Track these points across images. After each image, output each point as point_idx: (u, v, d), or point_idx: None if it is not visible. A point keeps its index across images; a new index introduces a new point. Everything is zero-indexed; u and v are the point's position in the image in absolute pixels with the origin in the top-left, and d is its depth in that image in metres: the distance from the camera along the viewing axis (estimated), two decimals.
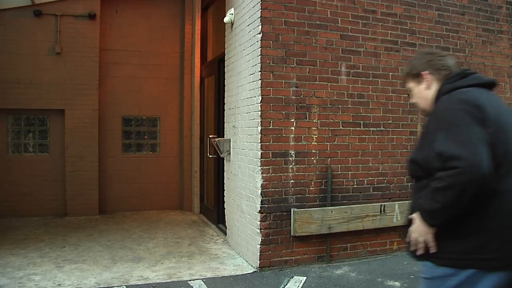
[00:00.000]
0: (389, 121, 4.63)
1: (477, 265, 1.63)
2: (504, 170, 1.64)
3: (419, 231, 1.74)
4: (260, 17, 4.07)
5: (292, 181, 4.20)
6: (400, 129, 4.69)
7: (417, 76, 1.96)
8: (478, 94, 1.76)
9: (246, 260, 4.43)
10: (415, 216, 1.77)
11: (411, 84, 2.01)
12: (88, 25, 6.75)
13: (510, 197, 1.63)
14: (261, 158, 4.09)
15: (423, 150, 1.82)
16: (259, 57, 4.09)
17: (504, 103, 1.93)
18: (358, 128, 4.48)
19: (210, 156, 6.02)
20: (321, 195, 4.30)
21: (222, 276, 3.99)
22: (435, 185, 1.65)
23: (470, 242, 1.64)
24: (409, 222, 1.83)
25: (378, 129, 4.58)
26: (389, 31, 4.62)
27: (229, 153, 5.04)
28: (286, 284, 3.76)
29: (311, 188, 4.27)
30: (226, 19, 5.01)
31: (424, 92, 1.95)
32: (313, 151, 4.29)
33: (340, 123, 4.40)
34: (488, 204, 1.63)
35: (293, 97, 4.20)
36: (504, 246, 1.61)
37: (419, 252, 1.76)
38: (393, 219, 4.52)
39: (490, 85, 1.88)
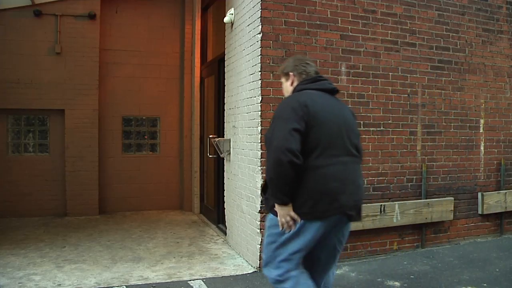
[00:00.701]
0: (389, 121, 4.63)
1: (303, 217, 2.33)
2: (317, 153, 2.32)
3: (282, 214, 2.35)
4: (260, 17, 4.08)
5: None
6: (400, 129, 4.69)
7: (286, 75, 2.64)
8: (313, 97, 2.42)
9: (246, 260, 4.43)
10: (277, 207, 2.36)
11: (282, 79, 2.68)
12: (88, 25, 6.75)
13: (320, 171, 2.32)
14: (261, 158, 4.09)
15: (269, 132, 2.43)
16: (259, 57, 4.09)
17: (338, 105, 2.53)
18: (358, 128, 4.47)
19: (210, 156, 6.02)
20: None
21: (222, 276, 3.99)
22: (268, 170, 2.33)
23: (297, 202, 2.32)
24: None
25: (378, 129, 4.58)
26: (389, 31, 4.62)
27: (229, 153, 5.04)
28: None
29: None
30: (226, 19, 5.01)
31: (289, 87, 2.63)
32: None
33: None
34: (306, 176, 2.31)
35: None
36: (317, 204, 2.31)
37: (292, 229, 2.35)
38: (393, 219, 4.53)
39: (332, 91, 2.58)
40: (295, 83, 2.59)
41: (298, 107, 2.33)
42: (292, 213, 2.33)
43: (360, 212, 2.49)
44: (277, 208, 2.35)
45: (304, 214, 2.33)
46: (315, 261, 2.56)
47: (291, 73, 2.61)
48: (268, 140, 2.37)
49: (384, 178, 4.60)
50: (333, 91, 2.58)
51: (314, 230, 2.35)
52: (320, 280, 2.59)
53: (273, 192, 2.33)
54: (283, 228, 2.36)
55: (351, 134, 2.49)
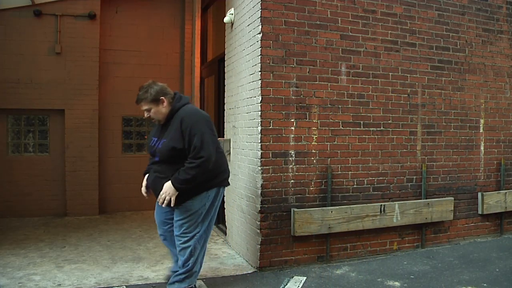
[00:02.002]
0: (389, 121, 4.63)
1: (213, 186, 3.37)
2: (217, 150, 3.35)
3: (169, 192, 3.19)
4: (260, 17, 4.08)
5: (292, 181, 4.20)
6: (400, 129, 4.69)
7: (154, 101, 3.30)
8: (199, 110, 3.51)
9: (246, 260, 4.43)
10: (167, 183, 3.19)
11: (150, 106, 3.30)
12: (88, 25, 6.75)
13: (218, 161, 3.35)
14: (261, 158, 4.09)
15: (180, 142, 3.18)
16: (259, 57, 4.09)
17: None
18: (358, 128, 4.48)
19: None
20: (321, 195, 4.31)
21: (222, 276, 3.99)
22: (189, 165, 3.15)
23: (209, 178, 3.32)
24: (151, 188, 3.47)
25: (378, 129, 4.58)
26: (389, 31, 4.62)
27: (229, 153, 5.04)
28: (286, 284, 3.76)
29: (311, 188, 4.27)
30: (226, 19, 5.01)
31: (162, 110, 3.33)
32: (313, 151, 4.29)
33: (340, 123, 4.40)
34: (212, 166, 3.26)
35: (293, 97, 4.20)
36: (219, 178, 3.42)
37: (165, 204, 3.22)
38: (393, 219, 4.53)
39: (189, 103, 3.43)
40: (167, 104, 3.32)
41: (208, 119, 3.33)
42: (174, 196, 3.24)
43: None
44: (169, 186, 3.19)
45: (213, 186, 3.42)
46: None
47: (162, 98, 3.31)
48: (197, 149, 3.14)
49: (384, 178, 4.60)
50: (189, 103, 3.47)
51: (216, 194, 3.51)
52: None
53: (187, 186, 3.19)
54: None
55: None
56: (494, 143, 5.27)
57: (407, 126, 4.73)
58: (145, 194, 3.63)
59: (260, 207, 4.08)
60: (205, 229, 3.42)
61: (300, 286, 3.72)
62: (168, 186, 3.20)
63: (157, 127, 3.48)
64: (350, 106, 4.44)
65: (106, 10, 6.97)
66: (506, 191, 5.23)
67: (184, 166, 3.17)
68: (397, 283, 3.80)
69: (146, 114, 3.35)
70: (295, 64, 4.21)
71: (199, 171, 3.15)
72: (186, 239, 3.32)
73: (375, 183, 4.55)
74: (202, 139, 3.16)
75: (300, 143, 4.23)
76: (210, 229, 3.48)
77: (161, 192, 3.24)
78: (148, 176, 3.51)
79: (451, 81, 4.98)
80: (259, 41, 4.09)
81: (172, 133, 3.23)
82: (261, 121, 4.09)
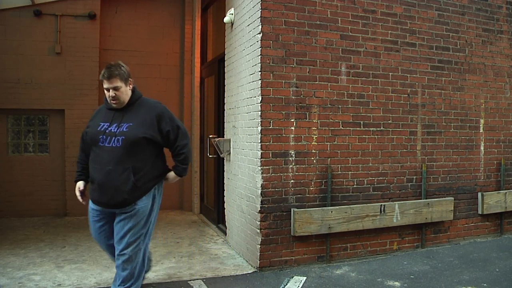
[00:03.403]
0: (389, 121, 4.63)
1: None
2: None
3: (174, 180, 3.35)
4: (260, 17, 4.08)
5: (292, 181, 4.20)
6: (400, 129, 4.69)
7: (126, 80, 3.14)
8: None
9: (246, 260, 4.43)
10: (172, 174, 3.31)
11: (120, 84, 3.09)
12: (88, 25, 6.75)
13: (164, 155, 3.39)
14: (261, 158, 4.09)
15: (154, 132, 3.09)
16: (259, 57, 4.09)
17: None
18: (358, 128, 4.48)
19: (210, 156, 6.02)
20: (321, 195, 4.31)
21: (222, 276, 3.99)
22: (185, 152, 3.25)
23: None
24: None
25: (378, 129, 4.58)
26: (389, 31, 4.62)
27: (229, 153, 5.04)
28: (286, 284, 3.76)
29: (311, 188, 4.27)
30: (226, 19, 5.01)
31: (128, 91, 3.18)
32: (313, 151, 4.29)
33: (340, 123, 4.40)
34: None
35: (293, 97, 4.20)
36: (163, 174, 3.40)
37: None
38: (393, 219, 4.53)
39: None
40: (131, 87, 3.20)
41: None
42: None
43: None
44: (174, 176, 3.33)
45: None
46: None
47: (131, 79, 3.18)
48: (185, 132, 3.26)
49: (384, 178, 4.60)
50: None
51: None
52: None
53: (186, 168, 3.33)
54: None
55: None
56: (494, 143, 5.27)
57: (407, 126, 4.73)
58: (81, 199, 3.31)
59: (260, 207, 4.08)
60: (151, 230, 3.27)
61: (300, 286, 3.73)
62: (174, 177, 3.33)
63: (104, 112, 3.22)
64: (350, 106, 4.44)
65: (106, 10, 6.97)
66: (506, 191, 5.23)
67: (177, 153, 3.23)
68: (397, 283, 3.80)
69: (111, 93, 3.07)
70: (295, 64, 4.21)
71: (190, 155, 3.34)
72: (135, 245, 3.08)
73: (375, 183, 4.55)
74: (183, 127, 3.28)
75: (300, 143, 4.23)
76: (153, 227, 3.31)
77: (167, 181, 3.32)
78: (94, 172, 3.10)
79: (451, 81, 4.98)
80: (259, 41, 4.09)
81: (141, 120, 3.08)
82: (261, 121, 4.09)
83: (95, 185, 3.10)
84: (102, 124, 3.11)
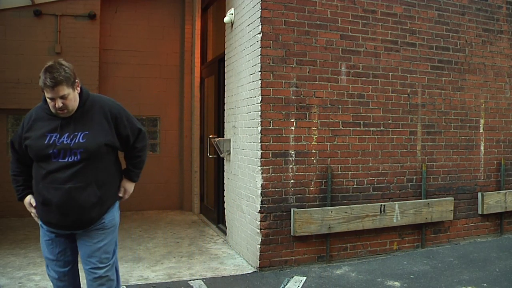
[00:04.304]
0: (389, 121, 4.63)
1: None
2: None
3: (131, 192, 2.76)
4: (260, 17, 4.08)
5: (292, 181, 4.20)
6: (400, 129, 4.69)
7: (73, 84, 2.50)
8: None
9: (246, 260, 4.43)
10: (128, 184, 2.73)
11: (68, 91, 2.47)
12: (88, 25, 6.75)
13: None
14: (261, 158, 4.09)
15: (111, 136, 2.56)
16: (259, 57, 4.09)
17: None
18: (358, 128, 4.48)
19: (210, 156, 6.02)
20: (321, 195, 4.31)
21: (222, 276, 3.99)
22: (141, 155, 2.73)
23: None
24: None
25: (378, 129, 4.58)
26: (389, 31, 4.62)
27: (229, 153, 5.04)
28: (286, 284, 3.76)
29: (311, 188, 4.27)
30: (226, 19, 5.01)
31: (76, 96, 2.53)
32: (313, 151, 4.29)
33: (340, 123, 4.40)
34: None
35: (293, 97, 4.20)
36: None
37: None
38: (393, 219, 4.53)
39: None
40: (79, 89, 2.58)
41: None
42: None
43: None
44: (132, 186, 2.78)
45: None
46: None
47: (77, 81, 2.58)
48: (145, 134, 2.75)
49: (384, 178, 4.60)
50: None
51: None
52: None
53: (140, 174, 2.80)
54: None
55: None
56: (494, 143, 5.27)
57: (407, 126, 4.73)
58: (36, 219, 2.84)
59: (260, 207, 4.08)
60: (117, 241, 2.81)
61: (300, 286, 3.72)
62: (131, 186, 2.75)
63: (46, 120, 2.59)
64: (350, 106, 4.44)
65: (106, 10, 6.97)
66: (506, 191, 5.23)
67: (133, 156, 2.73)
68: (397, 283, 3.80)
69: (57, 103, 2.46)
70: (295, 64, 4.21)
71: (146, 157, 2.79)
72: (108, 263, 2.64)
73: (375, 183, 4.55)
74: (142, 127, 2.76)
75: (300, 143, 4.23)
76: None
77: (124, 195, 2.74)
78: (46, 192, 2.54)
79: (451, 81, 4.98)
80: (259, 41, 4.09)
81: (97, 126, 2.54)
82: (261, 121, 4.09)
83: (50, 207, 2.61)
84: (49, 135, 2.50)
